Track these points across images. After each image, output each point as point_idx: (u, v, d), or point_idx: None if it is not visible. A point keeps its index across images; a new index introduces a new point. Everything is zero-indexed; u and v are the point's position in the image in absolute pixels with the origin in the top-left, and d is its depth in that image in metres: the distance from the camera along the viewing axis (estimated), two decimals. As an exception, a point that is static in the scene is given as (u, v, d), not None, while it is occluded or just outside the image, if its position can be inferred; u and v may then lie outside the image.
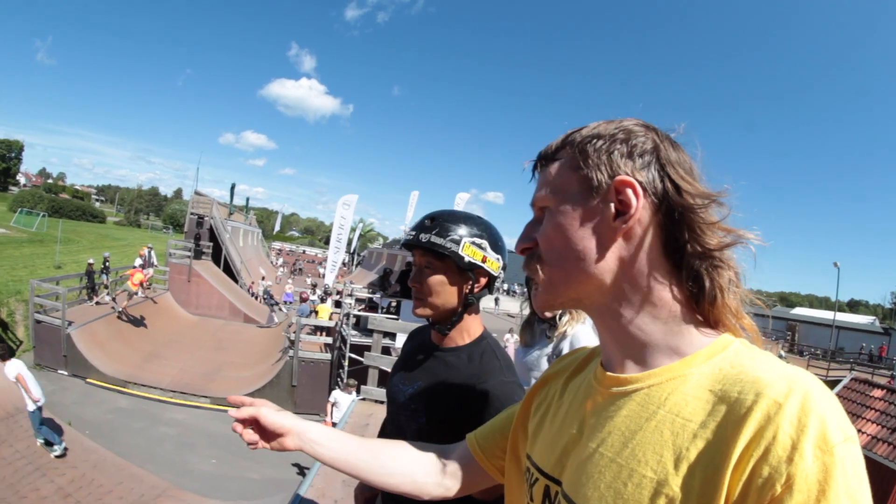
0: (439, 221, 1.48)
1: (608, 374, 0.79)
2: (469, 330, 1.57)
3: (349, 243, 43.90)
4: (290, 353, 15.25)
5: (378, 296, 17.37)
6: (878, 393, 11.78)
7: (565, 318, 2.55)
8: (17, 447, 8.90)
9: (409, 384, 1.58)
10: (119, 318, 16.79)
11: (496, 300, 40.98)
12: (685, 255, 0.74)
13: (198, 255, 25.24)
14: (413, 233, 1.49)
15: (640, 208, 0.74)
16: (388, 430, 1.71)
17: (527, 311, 2.81)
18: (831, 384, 14.94)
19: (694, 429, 0.64)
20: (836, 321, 33.29)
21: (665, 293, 0.75)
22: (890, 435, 10.30)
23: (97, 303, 17.30)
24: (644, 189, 0.74)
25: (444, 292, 1.49)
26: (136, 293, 17.35)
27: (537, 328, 2.73)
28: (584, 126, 0.81)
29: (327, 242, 30.17)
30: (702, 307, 0.74)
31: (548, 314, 2.49)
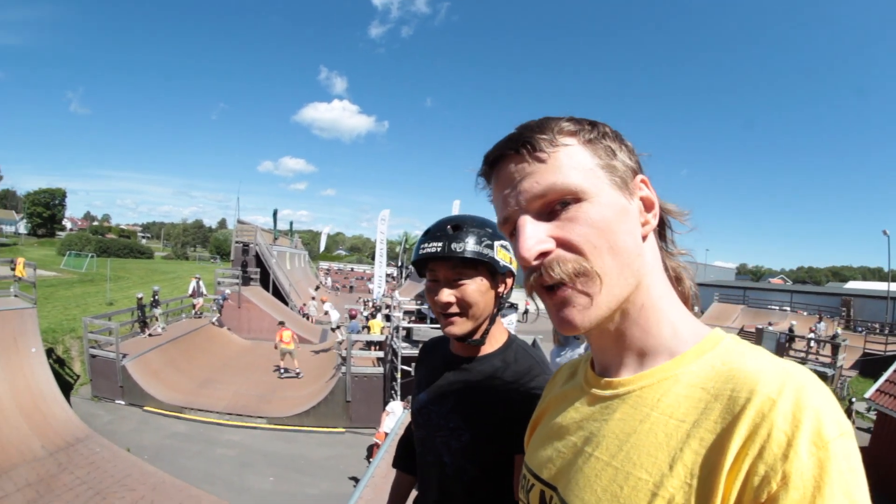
0: (467, 227, 1.34)
1: (602, 378, 0.78)
2: (495, 335, 1.47)
3: (396, 257, 44.29)
4: (343, 369, 15.24)
5: (426, 306, 17.26)
6: None
7: None
8: (77, 474, 9.04)
9: (443, 403, 1.46)
10: (287, 373, 17.20)
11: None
12: (670, 254, 0.78)
13: (246, 281, 25.75)
14: (438, 244, 1.32)
15: (658, 204, 0.75)
16: (423, 459, 1.54)
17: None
18: (891, 359, 14.24)
19: (687, 429, 0.63)
20: (892, 292, 31.72)
21: (668, 291, 0.76)
22: None
23: (150, 335, 17.61)
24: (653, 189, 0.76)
25: (484, 301, 1.37)
26: (292, 351, 17.50)
27: None
28: (559, 117, 0.75)
29: (374, 258, 30.78)
30: (688, 305, 0.76)
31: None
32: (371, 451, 12.48)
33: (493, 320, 1.43)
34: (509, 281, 1.43)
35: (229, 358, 18.82)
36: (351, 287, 47.16)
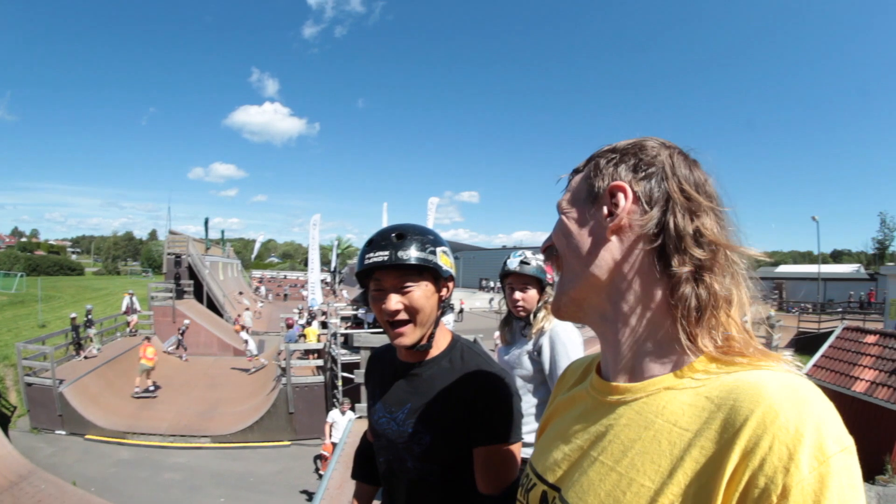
0: (411, 236, 1.41)
1: (608, 383, 0.81)
2: (440, 338, 1.54)
3: (329, 262, 43.54)
4: (284, 380, 15.26)
5: (362, 311, 17.19)
6: (871, 339, 11.83)
7: (541, 315, 2.62)
8: (24, 514, 8.89)
9: (398, 410, 1.51)
10: (140, 395, 16.54)
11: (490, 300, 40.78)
12: (672, 265, 0.74)
13: (179, 294, 25.31)
14: (384, 253, 1.37)
15: (629, 210, 0.78)
16: (387, 467, 1.59)
17: (505, 309, 2.88)
18: (824, 336, 14.82)
19: (690, 438, 0.64)
20: (822, 273, 33.67)
21: (659, 298, 0.76)
22: (888, 378, 10.35)
23: (85, 357, 17.26)
24: (636, 195, 0.78)
25: (429, 307, 1.43)
26: (153, 368, 16.88)
27: (515, 326, 2.79)
28: (608, 145, 0.87)
29: (307, 264, 30.14)
30: (689, 319, 0.73)
31: (524, 300, 2.64)
32: (318, 462, 12.63)
33: (436, 324, 1.50)
34: (450, 284, 1.51)
35: (167, 376, 18.43)
36: (286, 295, 46.37)
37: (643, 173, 0.79)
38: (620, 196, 0.78)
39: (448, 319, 7.15)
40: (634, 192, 0.78)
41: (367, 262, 1.39)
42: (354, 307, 18.74)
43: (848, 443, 0.57)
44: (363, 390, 7.22)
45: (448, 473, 1.45)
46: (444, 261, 1.45)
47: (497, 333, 3.24)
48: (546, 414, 1.03)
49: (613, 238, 0.79)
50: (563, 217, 0.86)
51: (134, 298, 21.47)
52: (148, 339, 18.51)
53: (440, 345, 1.54)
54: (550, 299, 2.58)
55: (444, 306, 1.50)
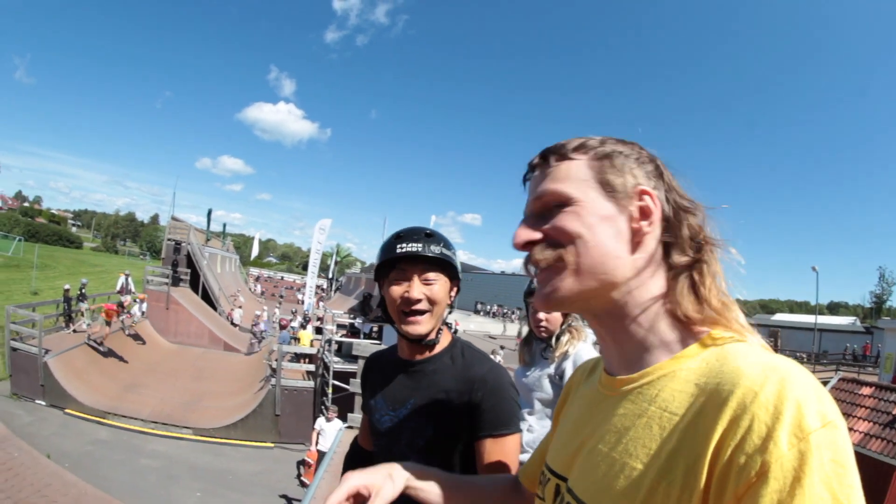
0: (437, 236, 1.52)
1: (612, 377, 0.84)
2: (443, 336, 1.60)
3: (327, 269, 43.47)
4: (273, 381, 15.00)
5: (360, 321, 17.18)
6: (866, 391, 11.67)
7: (565, 338, 2.54)
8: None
9: (401, 406, 1.56)
10: (96, 349, 16.31)
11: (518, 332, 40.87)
12: (676, 259, 0.80)
13: (175, 281, 24.98)
14: (418, 245, 1.48)
15: (658, 215, 0.80)
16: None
17: (525, 331, 2.83)
18: None
19: (677, 422, 0.67)
20: (818, 324, 33.79)
21: (662, 292, 0.80)
22: (882, 431, 10.25)
23: (74, 330, 16.84)
24: (655, 197, 0.80)
25: (445, 301, 1.53)
26: (110, 323, 16.76)
27: (536, 347, 2.72)
28: (591, 137, 0.86)
29: (305, 268, 30.09)
30: (692, 305, 0.77)
31: (548, 321, 2.58)
32: (301, 468, 12.36)
33: (444, 322, 1.58)
34: (455, 290, 1.60)
35: (155, 362, 18.24)
36: (281, 296, 46.20)
37: (655, 181, 0.82)
38: (649, 200, 0.80)
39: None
40: (654, 194, 0.80)
41: (399, 250, 1.47)
42: (352, 316, 18.74)
43: (832, 418, 0.58)
44: (357, 400, 7.05)
45: (451, 466, 1.45)
46: (457, 262, 1.57)
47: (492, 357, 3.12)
48: (556, 412, 1.09)
49: (640, 238, 0.80)
50: (579, 209, 0.80)
51: (130, 279, 21.07)
52: (120, 293, 18.68)
53: (443, 342, 1.60)
54: (574, 322, 2.62)
55: (452, 307, 1.59)
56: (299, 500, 10.42)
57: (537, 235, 0.83)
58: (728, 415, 0.60)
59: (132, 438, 12.73)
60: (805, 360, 31.29)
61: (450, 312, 1.60)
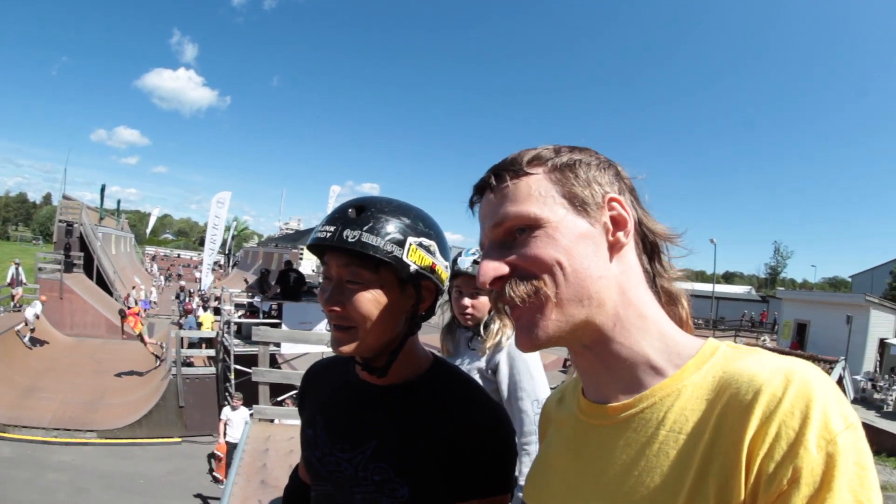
0: (372, 212, 1.04)
1: (600, 406, 0.76)
2: (417, 358, 1.18)
3: (224, 244, 42.17)
4: (173, 371, 14.68)
5: (258, 299, 16.20)
6: None
7: (496, 326, 2.23)
8: None
9: (358, 449, 1.12)
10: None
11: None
12: (654, 267, 0.78)
13: (69, 267, 23.86)
14: (330, 229, 1.03)
15: (632, 223, 0.75)
16: None
17: (447, 317, 2.47)
18: None
19: (697, 441, 0.62)
20: (715, 292, 36.26)
21: (652, 308, 0.75)
22: None
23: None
24: (623, 204, 0.75)
25: (381, 317, 1.04)
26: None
27: (460, 336, 2.43)
28: (543, 147, 0.79)
29: (202, 244, 28.89)
30: (683, 313, 0.78)
31: (474, 307, 2.27)
32: (212, 461, 12.28)
33: (402, 345, 1.11)
34: (429, 296, 1.12)
35: (53, 359, 17.35)
36: (179, 275, 44.09)
37: (618, 186, 0.78)
38: (619, 208, 0.75)
39: None
40: (622, 201, 0.76)
41: (312, 236, 1.07)
42: (250, 294, 17.47)
43: (853, 419, 0.57)
44: (261, 389, 6.60)
45: None
46: (416, 257, 1.05)
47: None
48: (538, 445, 1.01)
49: (618, 250, 0.75)
50: (552, 231, 0.72)
51: (20, 269, 20.00)
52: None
53: (416, 367, 1.16)
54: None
55: (418, 322, 1.13)
56: (215, 499, 10.43)
57: (505, 269, 0.74)
58: (754, 424, 0.57)
59: (35, 451, 12.07)
60: (703, 325, 33.92)
61: (411, 332, 1.13)
